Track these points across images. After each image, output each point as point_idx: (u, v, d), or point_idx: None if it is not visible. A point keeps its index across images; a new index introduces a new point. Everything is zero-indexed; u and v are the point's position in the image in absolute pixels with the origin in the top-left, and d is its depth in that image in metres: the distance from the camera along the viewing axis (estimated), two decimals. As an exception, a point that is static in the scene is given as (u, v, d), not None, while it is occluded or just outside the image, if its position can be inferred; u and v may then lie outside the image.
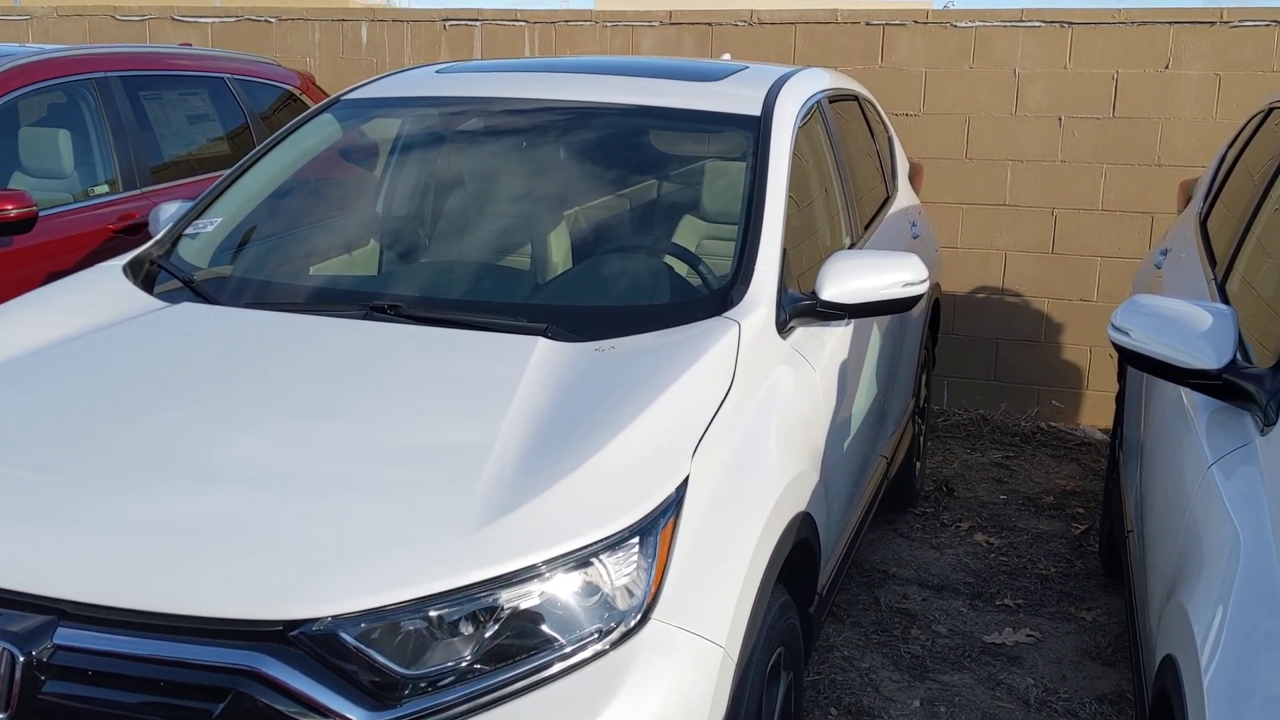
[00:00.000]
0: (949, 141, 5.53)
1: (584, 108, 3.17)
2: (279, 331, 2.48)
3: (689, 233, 3.12)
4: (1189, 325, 2.22)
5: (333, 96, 3.51)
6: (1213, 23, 5.12)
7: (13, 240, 3.96)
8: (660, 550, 1.90)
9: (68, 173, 4.38)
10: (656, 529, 1.90)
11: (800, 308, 2.65)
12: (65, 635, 1.73)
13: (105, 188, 4.47)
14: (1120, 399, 4.00)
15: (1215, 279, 2.96)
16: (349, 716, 1.67)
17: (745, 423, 2.26)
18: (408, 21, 6.29)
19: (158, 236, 3.09)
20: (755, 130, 3.00)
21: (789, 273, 2.72)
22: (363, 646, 1.70)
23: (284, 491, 1.88)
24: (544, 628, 1.78)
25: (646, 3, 12.43)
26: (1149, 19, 5.19)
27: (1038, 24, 5.34)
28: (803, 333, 2.69)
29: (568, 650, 1.78)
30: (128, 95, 4.64)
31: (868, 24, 5.57)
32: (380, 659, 1.70)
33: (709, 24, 5.80)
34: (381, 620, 1.71)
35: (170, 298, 2.70)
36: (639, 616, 1.83)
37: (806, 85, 3.41)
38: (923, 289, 2.71)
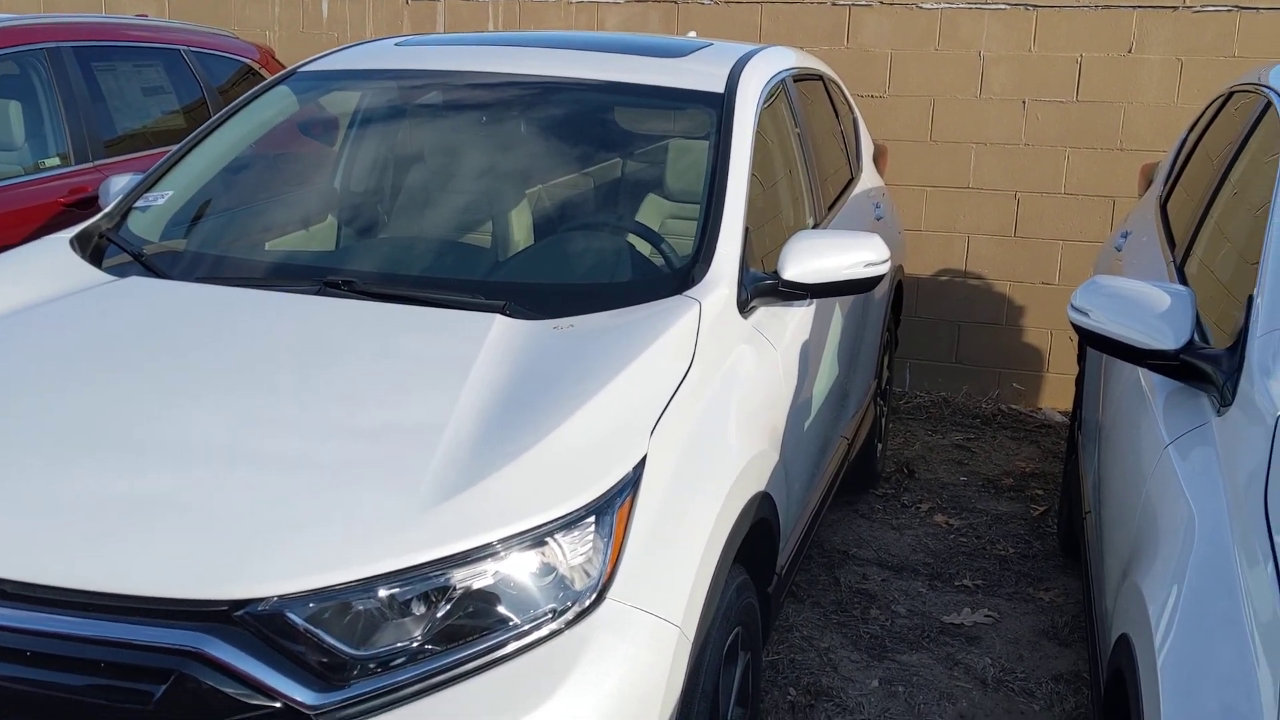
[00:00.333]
0: (914, 123, 5.53)
1: (546, 82, 3.13)
2: (230, 306, 2.43)
3: (652, 211, 3.09)
4: (1148, 306, 2.23)
5: (289, 68, 3.43)
6: (1175, 8, 5.14)
7: (-41, 213, 3.87)
8: (616, 529, 1.88)
9: (18, 145, 4.28)
10: (613, 508, 1.88)
11: (762, 287, 2.63)
12: (3, 615, 1.69)
13: (56, 160, 4.37)
14: (1080, 382, 4.02)
15: (1174, 261, 2.97)
16: (295, 698, 1.64)
17: (705, 402, 2.24)
18: (370, -5, 6.19)
19: (107, 209, 3.01)
20: (718, 107, 2.97)
21: (751, 252, 2.69)
22: (310, 626, 1.67)
23: (230, 468, 1.84)
24: (498, 607, 1.75)
25: (614, -19, 12.31)
26: (1113, 3, 5.21)
27: (1003, 6, 5.34)
28: (764, 313, 2.67)
29: (522, 630, 1.75)
30: (80, 66, 4.54)
31: (834, 4, 5.54)
32: (329, 639, 1.67)
33: (674, 1, 5.76)
34: (330, 600, 1.68)
35: (119, 271, 2.63)
36: (594, 596, 1.81)
37: (771, 63, 3.38)
38: (884, 269, 2.69)
